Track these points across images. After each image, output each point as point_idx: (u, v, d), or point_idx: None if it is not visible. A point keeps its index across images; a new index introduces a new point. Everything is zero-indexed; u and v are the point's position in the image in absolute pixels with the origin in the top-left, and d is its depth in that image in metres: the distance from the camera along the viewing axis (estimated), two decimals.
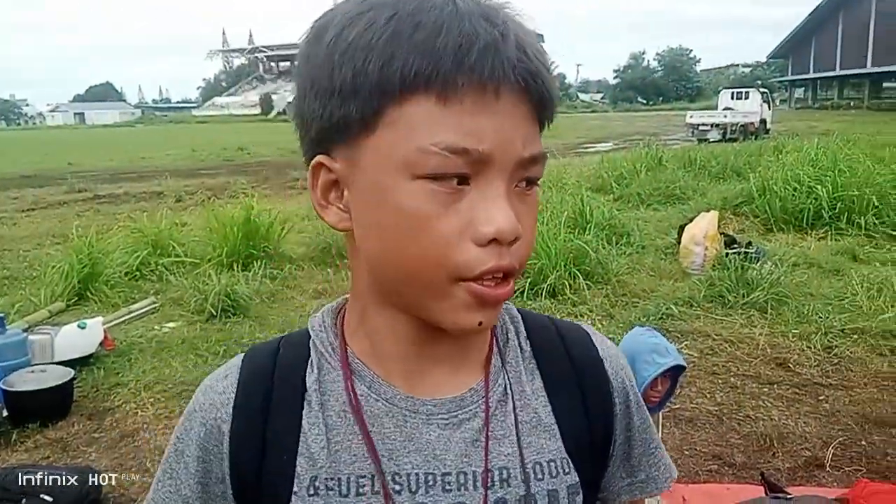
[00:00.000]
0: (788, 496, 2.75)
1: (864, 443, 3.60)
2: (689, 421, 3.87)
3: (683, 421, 3.86)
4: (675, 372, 2.49)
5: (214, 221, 7.78)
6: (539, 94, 0.60)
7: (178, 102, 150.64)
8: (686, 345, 4.91)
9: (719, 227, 7.00)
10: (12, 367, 4.16)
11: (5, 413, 3.91)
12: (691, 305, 5.63)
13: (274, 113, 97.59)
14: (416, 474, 0.67)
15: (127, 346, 5.21)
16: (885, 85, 54.60)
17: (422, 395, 0.69)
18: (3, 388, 3.91)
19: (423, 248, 0.59)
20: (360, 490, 0.66)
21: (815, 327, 5.09)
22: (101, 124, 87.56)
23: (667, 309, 5.52)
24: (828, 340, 4.88)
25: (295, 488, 0.67)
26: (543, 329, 0.78)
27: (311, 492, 0.66)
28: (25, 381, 4.01)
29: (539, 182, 0.64)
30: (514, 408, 0.71)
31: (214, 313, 5.81)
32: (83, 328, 4.77)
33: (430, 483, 0.67)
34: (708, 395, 4.16)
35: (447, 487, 0.67)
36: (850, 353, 4.70)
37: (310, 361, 0.72)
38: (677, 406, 4.02)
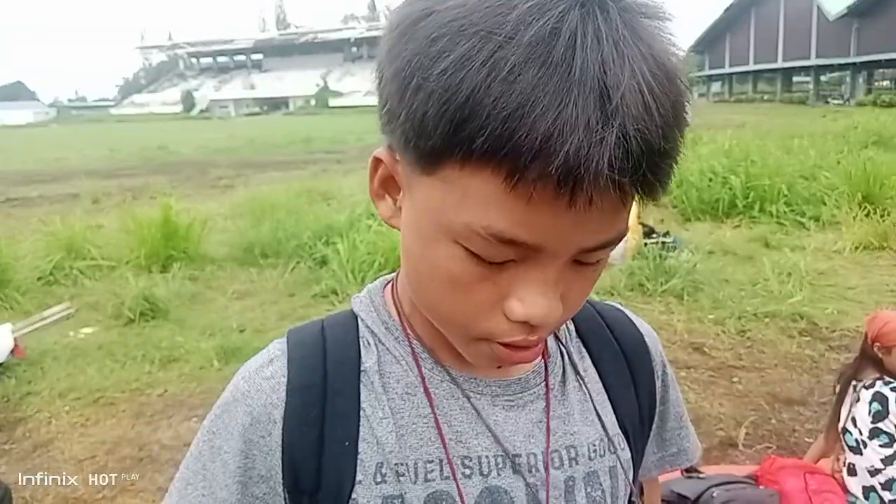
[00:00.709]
0: (701, 475, 2.84)
1: (773, 421, 3.76)
2: None
3: None
4: None
5: (131, 223, 7.56)
6: (631, 192, 0.49)
7: (95, 101, 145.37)
8: None
9: (639, 217, 7.18)
10: None
11: None
12: (612, 294, 5.76)
13: (196, 110, 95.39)
14: (486, 457, 0.66)
15: (39, 353, 5.00)
16: (794, 79, 57.11)
17: (485, 376, 0.68)
18: None
19: (451, 308, 0.57)
20: (429, 476, 0.64)
21: (729, 312, 5.28)
22: (13, 125, 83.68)
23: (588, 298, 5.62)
24: (741, 324, 5.07)
25: (359, 476, 0.63)
26: (583, 311, 0.75)
27: (378, 479, 0.63)
28: None
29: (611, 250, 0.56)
30: (574, 386, 0.72)
31: (132, 317, 5.64)
32: None
33: (501, 465, 0.66)
34: None
35: (517, 469, 0.66)
36: (762, 335, 4.90)
37: (363, 342, 0.68)
38: None
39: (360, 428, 0.64)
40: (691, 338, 4.90)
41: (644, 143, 0.46)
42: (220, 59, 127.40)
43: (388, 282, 0.73)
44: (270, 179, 14.60)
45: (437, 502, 0.63)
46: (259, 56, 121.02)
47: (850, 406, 2.54)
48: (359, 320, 0.70)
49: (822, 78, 52.22)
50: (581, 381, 0.72)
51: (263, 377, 0.66)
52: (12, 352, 4.73)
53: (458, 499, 0.63)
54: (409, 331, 0.68)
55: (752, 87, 60.25)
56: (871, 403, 2.43)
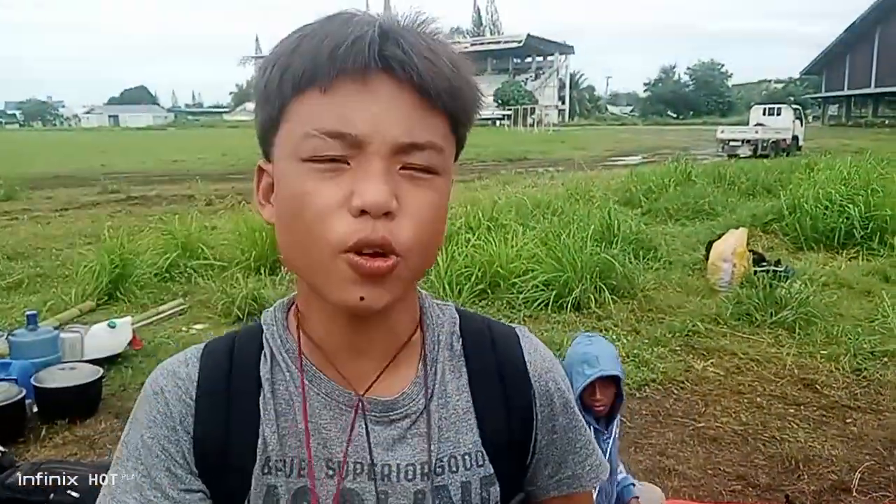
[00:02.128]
0: None
1: (892, 468, 3.54)
2: (714, 440, 3.83)
3: (708, 440, 3.83)
4: (617, 379, 2.49)
5: (244, 226, 7.87)
6: (417, 83, 0.64)
7: (209, 107, 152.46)
8: (712, 363, 4.87)
9: (748, 244, 6.94)
10: (43, 364, 4.24)
11: (35, 409, 3.99)
12: (718, 323, 5.58)
13: None
14: (348, 462, 0.74)
15: (155, 346, 5.28)
16: None
17: (358, 389, 0.76)
18: (34, 384, 3.99)
19: (306, 222, 0.65)
20: (301, 472, 0.74)
21: (844, 349, 5.02)
22: (134, 127, 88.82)
23: (693, 325, 5.48)
24: (857, 362, 4.81)
25: (256, 466, 0.74)
26: (477, 331, 0.85)
27: (266, 471, 0.74)
28: (55, 378, 4.08)
29: (439, 172, 0.68)
30: (439, 405, 0.78)
31: (241, 316, 5.88)
32: (113, 327, 4.84)
33: (358, 471, 0.74)
34: (733, 415, 4.12)
35: (372, 476, 0.74)
36: (880, 375, 4.63)
37: (263, 353, 0.78)
38: (702, 425, 3.99)
39: (259, 427, 0.75)
40: (802, 373, 4.69)
41: (409, 45, 0.64)
42: None
43: (294, 300, 0.82)
44: None
45: (302, 496, 0.73)
46: None
47: None
48: (262, 335, 0.80)
49: None
50: (445, 401, 0.78)
51: (178, 377, 0.77)
52: (130, 343, 5.01)
53: (315, 495, 0.73)
54: (300, 344, 0.77)
55: (872, 111, 57.17)
56: None
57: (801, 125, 27.43)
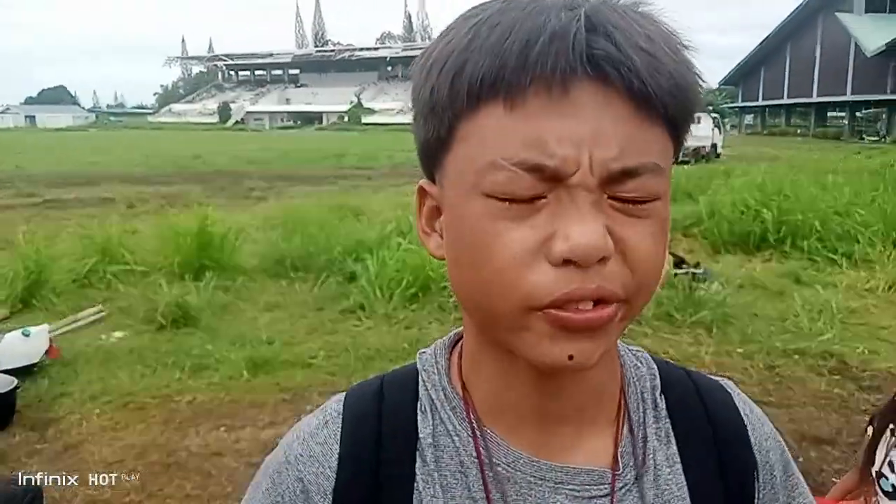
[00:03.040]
0: None
1: (801, 459, 3.71)
2: None
3: None
4: None
5: (167, 230, 7.69)
6: (633, 86, 0.49)
7: (133, 108, 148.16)
8: None
9: (669, 247, 7.15)
10: None
11: None
12: (639, 323, 5.73)
13: (232, 121, 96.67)
14: None
15: (73, 355, 5.10)
16: (829, 114, 56.61)
17: (548, 458, 0.62)
18: None
19: (491, 271, 0.51)
20: None
21: (758, 347, 5.24)
22: (53, 128, 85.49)
23: None
24: (770, 360, 5.04)
25: None
26: (680, 384, 0.69)
27: None
28: None
29: (659, 196, 0.53)
30: (651, 479, 0.63)
31: (164, 324, 5.74)
32: (27, 336, 4.67)
33: None
34: None
35: None
36: (791, 372, 4.86)
37: (420, 406, 0.64)
38: None
39: (413, 500, 0.61)
40: (719, 371, 4.87)
41: (621, 35, 0.49)
42: (258, 72, 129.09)
43: (458, 339, 0.68)
44: (302, 193, 14.76)
45: None
46: (296, 71, 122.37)
47: (888, 450, 2.51)
48: (420, 380, 0.66)
49: (858, 114, 51.69)
50: (657, 473, 0.63)
51: (317, 442, 0.64)
52: (47, 352, 4.83)
53: None
54: (468, 401, 0.63)
55: (785, 121, 59.84)
56: None
57: (720, 133, 28.46)
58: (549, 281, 0.50)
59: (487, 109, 0.50)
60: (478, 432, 0.61)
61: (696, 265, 7.13)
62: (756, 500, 0.66)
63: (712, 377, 0.73)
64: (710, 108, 45.28)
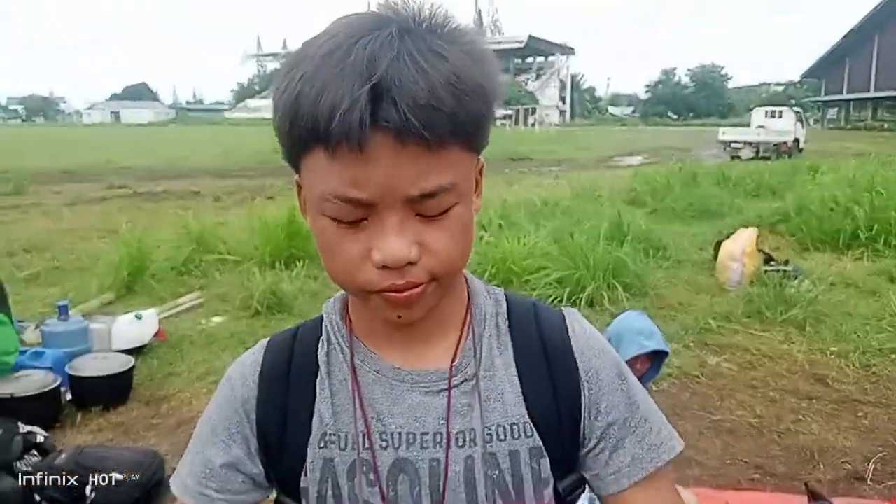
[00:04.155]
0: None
1: None
2: (730, 432, 3.94)
3: (724, 431, 3.94)
4: (659, 357, 2.60)
5: (258, 221, 7.97)
6: (415, 136, 0.63)
7: (211, 104, 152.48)
8: (725, 358, 4.98)
9: (757, 244, 7.04)
10: (74, 354, 4.34)
11: (69, 396, 4.09)
12: (729, 320, 5.69)
13: None
14: (400, 433, 0.80)
15: (177, 338, 5.38)
16: None
17: (407, 366, 0.82)
18: (69, 372, 4.10)
19: (335, 267, 0.72)
20: (355, 445, 0.80)
21: (853, 346, 5.13)
22: (136, 123, 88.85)
23: (705, 323, 5.59)
24: (866, 359, 4.92)
25: (311, 441, 0.81)
26: (524, 312, 0.88)
27: (322, 444, 0.81)
28: (89, 367, 4.19)
29: (459, 202, 0.70)
30: (486, 377, 0.82)
31: (259, 310, 5.98)
32: (139, 319, 4.94)
33: (411, 441, 0.80)
34: (748, 408, 4.23)
35: (424, 445, 0.80)
36: (889, 372, 4.74)
37: (321, 339, 0.86)
38: (718, 417, 4.10)
39: (314, 406, 0.82)
40: (813, 369, 4.80)
41: (407, 97, 0.62)
42: None
43: None
44: None
45: (360, 467, 0.79)
46: None
47: None
48: (322, 322, 0.88)
49: None
50: (491, 373, 0.82)
51: (245, 365, 0.87)
52: (156, 334, 5.12)
53: (373, 465, 0.79)
54: (350, 330, 0.85)
55: (871, 115, 57.33)
56: None
57: (803, 128, 27.55)
58: (374, 278, 0.70)
59: (315, 153, 0.67)
60: (355, 350, 0.83)
61: (786, 262, 7.00)
62: (582, 397, 0.84)
63: (558, 309, 0.91)
64: (793, 101, 43.87)
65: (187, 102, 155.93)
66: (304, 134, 0.66)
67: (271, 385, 0.84)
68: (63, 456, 3.12)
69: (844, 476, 3.47)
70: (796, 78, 77.58)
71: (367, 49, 0.64)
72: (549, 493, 0.82)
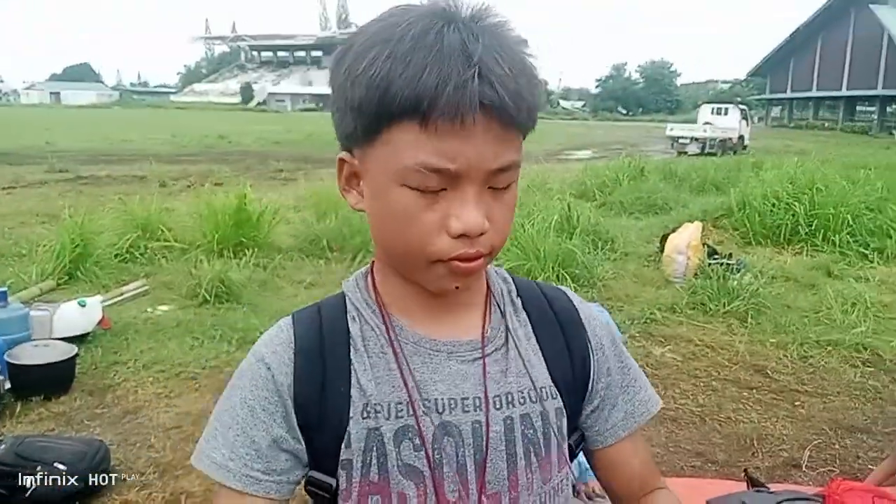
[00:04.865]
0: (770, 490, 2.91)
1: (837, 446, 3.80)
2: (673, 420, 4.05)
3: (668, 420, 4.04)
4: None
5: (205, 208, 7.83)
6: (506, 118, 0.73)
7: (156, 87, 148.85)
8: (669, 349, 5.10)
9: (701, 237, 7.21)
10: (14, 342, 4.21)
11: (8, 385, 3.97)
12: (674, 311, 5.82)
13: (254, 102, 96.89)
14: (441, 399, 0.85)
15: (122, 326, 5.25)
16: (858, 108, 55.80)
17: (440, 337, 0.87)
18: (8, 360, 3.97)
19: (408, 237, 0.77)
20: (399, 413, 0.83)
21: (791, 337, 5.31)
22: (77, 105, 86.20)
23: (651, 314, 5.71)
24: (804, 350, 5.10)
25: (351, 413, 0.83)
26: (531, 289, 0.98)
27: (365, 415, 0.83)
28: (30, 355, 4.07)
29: (516, 180, 0.80)
30: (513, 346, 0.90)
31: (207, 298, 5.87)
32: (83, 306, 4.82)
33: (453, 406, 0.85)
34: (690, 397, 4.34)
35: (465, 409, 0.85)
36: (825, 363, 4.92)
37: (349, 315, 0.89)
38: (662, 406, 4.18)
39: (351, 378, 0.84)
40: (753, 359, 4.95)
41: (500, 82, 0.71)
42: (281, 53, 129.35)
43: (370, 268, 0.94)
44: (330, 174, 14.85)
45: (405, 433, 0.83)
46: (318, 53, 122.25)
47: None
48: (346, 299, 0.91)
49: (888, 109, 50.97)
50: (517, 343, 0.90)
51: (277, 343, 0.87)
52: (100, 322, 4.99)
53: (419, 430, 0.83)
54: (382, 305, 0.89)
55: (813, 114, 59.05)
56: None
57: (748, 125, 28.23)
58: (445, 247, 0.76)
59: (403, 125, 0.72)
60: (390, 325, 0.87)
61: (729, 256, 7.18)
62: (591, 362, 0.95)
63: (555, 285, 1.02)
64: (738, 99, 44.87)
65: (132, 85, 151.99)
66: (395, 109, 0.71)
67: (307, 360, 0.86)
68: (2, 447, 3.04)
69: (781, 463, 3.60)
70: (743, 76, 79.42)
71: (458, 35, 0.71)
72: (564, 448, 0.91)
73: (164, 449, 3.53)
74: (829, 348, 5.14)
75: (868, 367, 4.87)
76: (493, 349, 0.89)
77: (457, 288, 0.81)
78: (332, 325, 0.89)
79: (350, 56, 0.75)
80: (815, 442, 3.81)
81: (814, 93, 56.60)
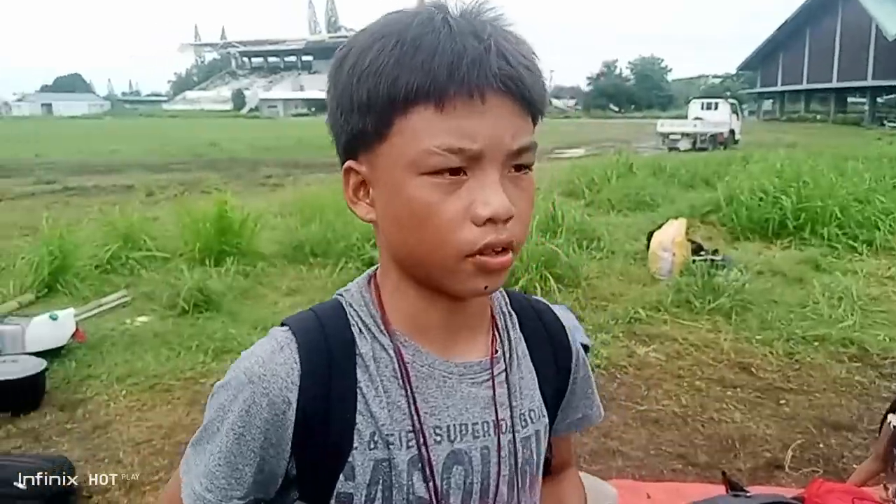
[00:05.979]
0: (748, 494, 2.84)
1: (821, 445, 3.73)
2: (655, 422, 3.97)
3: (650, 422, 3.97)
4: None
5: (187, 216, 7.75)
6: (522, 94, 0.70)
7: (147, 95, 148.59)
8: (654, 348, 5.03)
9: (687, 234, 7.15)
10: None
11: None
12: (659, 310, 5.75)
13: (246, 108, 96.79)
14: (453, 426, 0.81)
15: (98, 339, 5.18)
16: (849, 100, 55.88)
17: (451, 358, 0.82)
18: None
19: (432, 232, 0.71)
20: (409, 444, 0.78)
21: (777, 334, 5.24)
22: (68, 115, 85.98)
23: (635, 313, 5.63)
24: (790, 347, 5.03)
25: (356, 443, 0.77)
26: (523, 301, 0.95)
27: (372, 446, 0.77)
28: None
29: (532, 167, 0.75)
30: (515, 365, 0.88)
31: (186, 308, 5.80)
32: (55, 319, 4.74)
33: (464, 433, 0.81)
34: (674, 398, 4.27)
35: (476, 434, 0.82)
36: (811, 359, 4.85)
37: (355, 331, 0.81)
38: (644, 407, 4.12)
39: (357, 403, 0.77)
40: (738, 357, 4.88)
41: (516, 56, 0.70)
42: (271, 59, 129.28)
43: (371, 276, 0.86)
44: (318, 180, 14.79)
45: (415, 464, 0.78)
46: (309, 58, 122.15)
47: None
48: (348, 311, 0.82)
49: (879, 100, 51.00)
50: (518, 362, 0.88)
51: (277, 363, 0.77)
52: (74, 335, 4.91)
53: (428, 460, 0.78)
54: (388, 323, 0.81)
55: (804, 107, 59.11)
56: None
57: (738, 119, 28.21)
58: (475, 235, 0.70)
59: (418, 110, 0.69)
60: (402, 346, 0.80)
61: (715, 252, 7.11)
62: (571, 372, 0.95)
63: (537, 297, 1.00)
64: (729, 94, 44.90)
65: (123, 94, 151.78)
66: (409, 93, 0.68)
67: (314, 383, 0.77)
68: None
69: (764, 464, 3.53)
70: (733, 70, 79.52)
71: (463, 19, 0.70)
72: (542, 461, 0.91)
73: (132, 465, 3.46)
74: (816, 344, 5.08)
75: (854, 362, 4.81)
76: (499, 370, 0.86)
77: (486, 288, 0.75)
78: (337, 339, 0.80)
79: (352, 55, 0.73)
80: (799, 441, 3.74)
81: (804, 85, 56.61)
